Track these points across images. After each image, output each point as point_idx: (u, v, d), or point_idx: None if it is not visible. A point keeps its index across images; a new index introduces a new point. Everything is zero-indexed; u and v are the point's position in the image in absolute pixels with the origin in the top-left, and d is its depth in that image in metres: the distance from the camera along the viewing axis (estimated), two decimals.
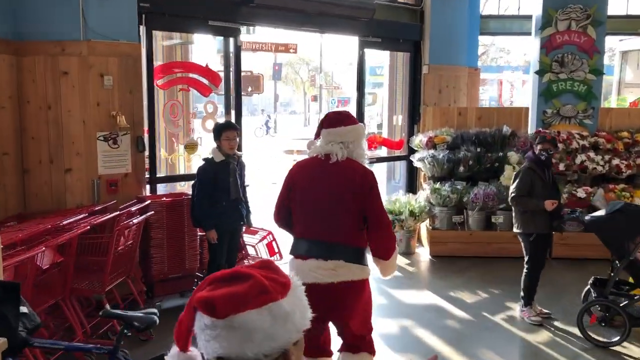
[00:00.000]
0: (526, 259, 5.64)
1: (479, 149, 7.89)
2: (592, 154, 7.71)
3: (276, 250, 5.92)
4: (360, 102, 8.19)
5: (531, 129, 8.35)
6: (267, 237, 5.97)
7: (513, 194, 5.49)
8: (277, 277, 1.37)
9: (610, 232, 5.09)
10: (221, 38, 6.55)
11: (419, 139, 8.27)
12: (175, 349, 1.39)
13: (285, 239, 7.89)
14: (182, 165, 6.66)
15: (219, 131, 5.13)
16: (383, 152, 9.11)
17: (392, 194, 7.85)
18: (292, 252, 3.56)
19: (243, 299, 1.28)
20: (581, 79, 8.17)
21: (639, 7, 10.69)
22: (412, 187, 8.73)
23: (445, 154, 7.77)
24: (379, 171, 11.12)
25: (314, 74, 44.08)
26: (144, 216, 5.03)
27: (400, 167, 9.10)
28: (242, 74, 13.39)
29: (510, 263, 7.02)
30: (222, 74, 6.52)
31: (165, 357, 1.42)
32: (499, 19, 10.22)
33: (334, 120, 3.50)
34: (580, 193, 7.37)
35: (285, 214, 3.62)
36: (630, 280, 5.26)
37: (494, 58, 31.37)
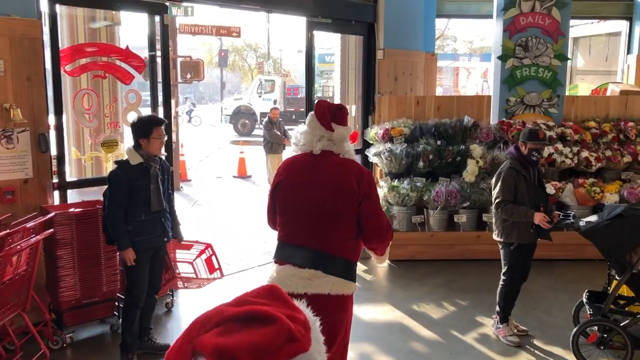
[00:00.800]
0: (504, 269, 4.96)
1: (439, 142, 7.20)
2: (560, 146, 7.15)
3: (216, 266, 5.02)
4: (310, 90, 7.35)
5: (494, 119, 7.74)
6: (205, 251, 5.06)
7: (497, 200, 4.77)
8: (294, 314, 1.21)
9: (612, 240, 4.37)
10: (146, 15, 5.56)
11: (375, 131, 7.52)
12: None
13: (227, 252, 7.30)
14: (98, 168, 5.67)
15: (149, 127, 4.20)
16: None
17: None
18: (274, 257, 3.18)
19: (269, 348, 1.08)
20: (546, 65, 7.60)
21: None
22: None
23: (404, 148, 7.04)
24: None
25: (262, 60, 42.95)
26: (39, 236, 4.05)
27: None
28: (180, 59, 12.46)
29: (476, 266, 6.42)
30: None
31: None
32: (455, 1, 9.57)
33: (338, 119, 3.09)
34: (549, 188, 6.77)
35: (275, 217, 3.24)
36: (627, 293, 4.64)
37: (448, 45, 31.12)
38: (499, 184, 4.77)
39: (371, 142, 7.60)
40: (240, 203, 10.69)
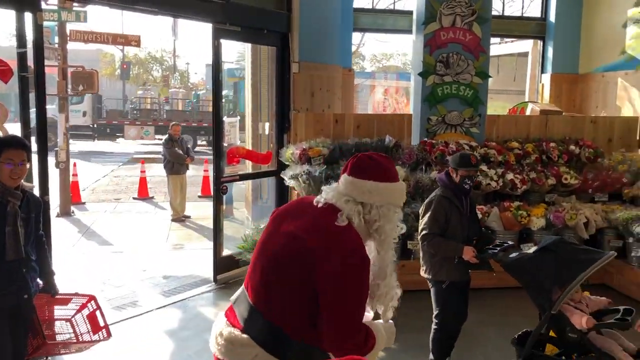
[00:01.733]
0: (435, 311, 4.41)
1: None
2: (484, 167, 6.80)
3: (102, 323, 4.02)
4: (217, 104, 6.53)
5: (415, 138, 7.30)
6: (87, 305, 4.06)
7: (424, 232, 4.24)
8: None
9: (532, 276, 3.81)
10: (13, 12, 4.55)
11: (290, 152, 6.84)
12: None
13: (121, 293, 6.27)
14: None
15: None
16: (248, 166, 7.55)
17: (260, 220, 6.33)
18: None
19: None
20: (467, 83, 7.28)
21: (511, 8, 10.28)
22: None
23: (323, 170, 6.41)
24: (242, 191, 9.57)
25: (168, 73, 41.35)
26: None
27: (269, 184, 7.60)
28: (71, 69, 11.20)
29: (402, 299, 5.85)
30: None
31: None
32: (371, 13, 9.18)
33: (363, 168, 2.27)
34: None
35: None
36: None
37: (357, 62, 31.21)
38: (427, 215, 4.26)
39: (287, 163, 6.91)
40: (139, 230, 9.61)
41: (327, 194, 2.27)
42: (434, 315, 4.39)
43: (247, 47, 8.20)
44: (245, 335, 2.21)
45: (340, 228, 2.18)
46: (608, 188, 7.04)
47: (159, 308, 5.86)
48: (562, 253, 3.84)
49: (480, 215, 6.36)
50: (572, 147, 7.33)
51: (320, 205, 2.24)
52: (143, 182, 12.82)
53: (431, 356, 4.46)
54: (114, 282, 6.66)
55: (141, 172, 12.96)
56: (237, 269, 6.61)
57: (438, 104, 7.26)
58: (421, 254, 4.43)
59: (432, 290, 4.40)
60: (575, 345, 3.64)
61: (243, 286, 2.37)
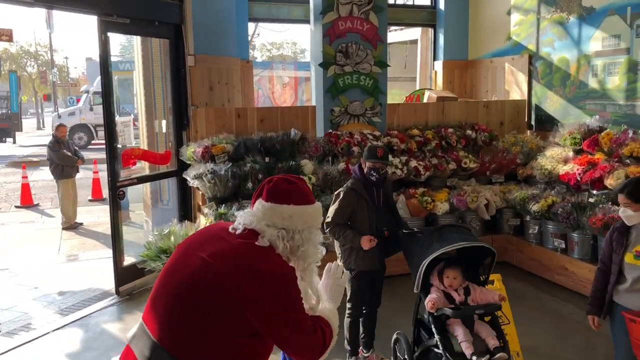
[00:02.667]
0: (348, 296, 4.46)
1: (267, 159, 6.46)
2: (389, 157, 6.84)
3: None
4: (108, 102, 6.00)
5: (320, 130, 7.21)
6: None
7: (327, 221, 4.26)
8: None
9: (410, 253, 4.10)
10: None
11: (192, 150, 6.50)
12: None
13: (8, 316, 5.60)
14: None
15: None
16: (145, 168, 7.08)
17: (163, 225, 5.94)
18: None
19: None
20: (367, 72, 7.29)
21: None
22: (186, 211, 6.89)
23: (228, 168, 6.15)
24: (138, 192, 9.01)
25: (45, 69, 38.45)
26: None
27: (169, 185, 7.19)
28: None
29: None
30: None
31: None
32: (266, 3, 8.93)
33: (281, 192, 2.17)
34: None
35: None
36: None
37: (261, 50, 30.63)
38: (334, 205, 4.29)
39: (188, 162, 6.56)
40: (26, 242, 8.79)
41: (244, 219, 2.14)
42: (347, 300, 4.42)
43: (136, 39, 7.67)
44: None
45: (262, 249, 2.07)
46: (504, 169, 7.37)
47: (56, 329, 5.33)
48: (441, 233, 4.00)
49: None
50: (469, 131, 7.60)
51: (238, 231, 2.11)
52: (26, 188, 11.78)
53: (347, 345, 4.46)
54: (1, 305, 6.01)
55: (23, 177, 11.88)
56: (141, 278, 6.19)
57: (340, 95, 7.21)
58: (342, 248, 4.39)
59: None
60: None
61: (141, 321, 2.11)
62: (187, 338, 1.97)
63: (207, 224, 5.90)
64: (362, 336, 4.57)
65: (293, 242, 2.15)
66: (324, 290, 2.41)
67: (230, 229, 2.13)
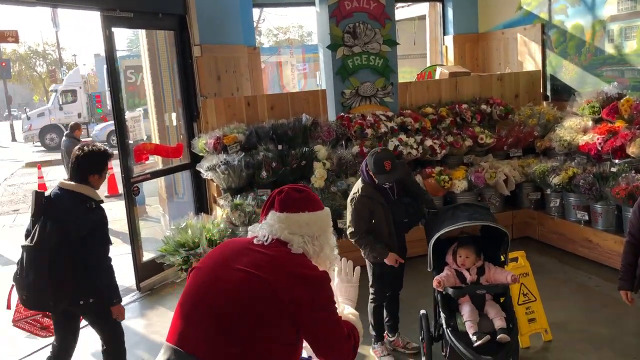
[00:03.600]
0: (370, 281, 4.40)
1: (280, 147, 6.38)
2: (404, 137, 6.74)
3: None
4: (117, 98, 5.94)
5: (331, 114, 7.11)
6: None
7: (350, 231, 4.21)
8: None
9: (428, 231, 4.17)
10: None
11: (203, 141, 6.45)
12: None
13: None
14: None
15: None
16: (158, 162, 7.05)
17: (179, 219, 5.92)
18: None
19: None
20: (376, 52, 7.14)
21: None
22: (202, 203, 6.86)
23: (241, 158, 6.09)
24: (153, 186, 8.98)
25: (54, 67, 38.60)
26: None
27: (183, 178, 7.15)
28: None
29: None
30: None
31: None
32: None
33: (293, 201, 2.23)
34: None
35: None
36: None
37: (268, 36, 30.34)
38: (350, 213, 4.19)
39: (200, 154, 6.51)
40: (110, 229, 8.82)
41: (268, 231, 2.16)
42: (369, 285, 4.36)
43: (141, 33, 7.59)
44: None
45: (299, 256, 2.11)
46: (521, 143, 7.22)
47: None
48: (454, 211, 3.99)
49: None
50: (484, 106, 7.44)
51: (266, 242, 2.13)
52: (42, 188, 11.84)
53: (372, 331, 4.41)
54: None
55: (39, 177, 11.95)
56: (161, 272, 6.19)
57: (350, 77, 7.08)
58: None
59: (367, 264, 4.37)
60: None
61: (173, 346, 1.99)
62: (239, 353, 1.93)
63: (224, 216, 5.86)
64: (386, 320, 4.52)
65: (314, 247, 2.18)
66: (338, 292, 2.43)
67: (255, 241, 2.15)
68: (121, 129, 5.89)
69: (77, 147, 3.65)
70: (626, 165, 5.83)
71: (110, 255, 3.61)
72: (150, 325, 5.30)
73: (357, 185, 4.23)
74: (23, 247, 3.43)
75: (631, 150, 5.76)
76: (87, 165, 3.52)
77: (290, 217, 2.18)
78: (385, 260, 4.13)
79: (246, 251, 2.11)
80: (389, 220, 4.17)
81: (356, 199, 4.15)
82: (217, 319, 1.96)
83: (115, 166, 10.78)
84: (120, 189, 11.09)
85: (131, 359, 4.65)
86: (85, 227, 3.40)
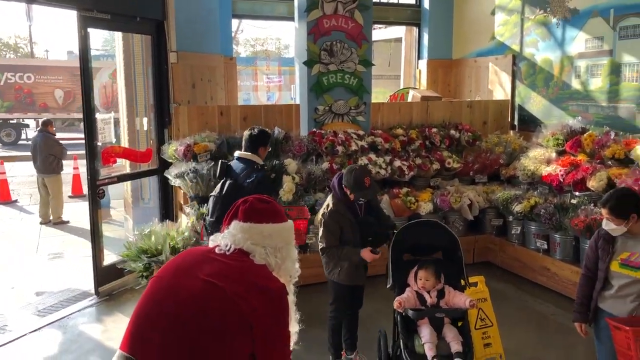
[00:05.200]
0: (331, 299, 4.48)
1: None
2: (373, 156, 6.83)
3: None
4: (88, 99, 5.86)
5: (304, 129, 7.16)
6: None
7: (321, 247, 4.28)
8: None
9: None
10: None
11: (174, 148, 6.41)
12: None
13: None
14: None
15: None
16: (126, 166, 6.96)
17: (143, 224, 5.85)
18: None
19: None
20: (351, 71, 7.24)
21: None
22: (168, 210, 6.80)
23: (211, 167, 6.06)
24: (119, 189, 8.87)
25: None
26: None
27: (150, 184, 7.08)
28: None
29: (303, 294, 5.71)
30: None
31: None
32: (248, 0, 8.85)
33: (257, 212, 2.21)
34: None
35: None
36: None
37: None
38: (323, 229, 4.25)
39: (170, 160, 6.47)
40: (4, 240, 8.62)
41: (228, 239, 2.15)
42: (329, 303, 4.41)
43: (117, 35, 7.53)
44: None
45: (261, 267, 2.10)
46: (487, 170, 7.39)
47: (33, 331, 5.22)
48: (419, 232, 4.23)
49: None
50: (453, 131, 7.60)
51: (228, 251, 2.12)
52: (4, 184, 11.56)
53: (330, 348, 4.45)
54: None
55: (0, 173, 11.66)
56: (121, 278, 6.10)
57: (324, 94, 7.16)
58: (329, 262, 4.39)
59: (328, 281, 4.45)
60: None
61: (123, 353, 1.96)
62: None
63: (189, 224, 5.82)
64: (344, 338, 4.54)
65: (276, 260, 2.16)
66: None
67: (217, 250, 2.13)
68: (90, 129, 5.81)
69: (249, 128, 4.95)
70: (586, 198, 6.02)
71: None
72: (106, 332, 5.20)
73: (328, 201, 4.30)
74: (211, 196, 4.82)
75: (591, 184, 5.95)
76: (258, 140, 4.80)
77: (254, 227, 2.15)
78: (364, 257, 4.13)
79: (208, 260, 2.08)
80: (356, 237, 4.22)
81: (327, 214, 4.21)
82: (175, 328, 1.92)
83: (81, 166, 10.64)
84: (85, 190, 10.95)
85: None
86: (253, 183, 4.54)
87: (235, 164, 4.83)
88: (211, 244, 2.21)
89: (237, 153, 4.91)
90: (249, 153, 4.80)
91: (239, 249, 2.12)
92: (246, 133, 4.90)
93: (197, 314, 1.92)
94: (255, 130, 4.91)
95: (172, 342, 1.90)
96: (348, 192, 4.17)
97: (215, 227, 4.26)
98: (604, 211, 3.28)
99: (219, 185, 4.82)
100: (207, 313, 1.92)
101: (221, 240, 2.16)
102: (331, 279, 4.36)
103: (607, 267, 3.32)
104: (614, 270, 3.30)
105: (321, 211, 4.33)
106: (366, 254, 4.12)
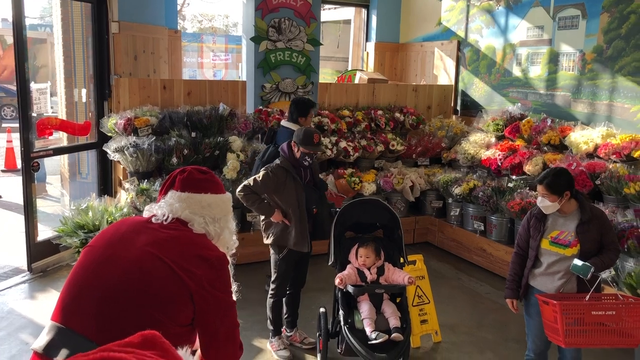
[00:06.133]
0: (273, 276, 4.46)
1: (193, 134, 6.27)
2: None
3: None
4: (22, 68, 5.58)
5: (250, 106, 7.08)
6: None
7: (244, 184, 4.28)
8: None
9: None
10: None
11: (113, 121, 6.21)
12: None
13: None
14: None
15: None
16: (63, 139, 6.70)
17: (80, 199, 5.66)
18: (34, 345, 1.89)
19: None
20: (299, 50, 7.19)
21: None
22: (106, 186, 6.60)
23: (152, 142, 5.93)
24: (55, 164, 8.57)
25: None
26: None
27: (89, 158, 6.85)
28: None
29: (243, 273, 5.70)
30: None
31: None
32: None
33: (196, 182, 2.18)
34: None
35: None
36: None
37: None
38: (260, 174, 4.25)
39: (109, 134, 6.27)
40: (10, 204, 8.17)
41: (165, 209, 2.10)
42: (271, 280, 4.43)
43: (55, 2, 7.19)
44: None
45: (200, 236, 2.08)
46: (429, 153, 7.53)
47: None
48: (362, 210, 4.30)
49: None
50: (398, 114, 7.69)
51: (167, 221, 2.08)
52: (10, 152, 10.96)
53: (270, 325, 4.45)
54: None
55: (7, 142, 11.05)
56: (56, 254, 5.90)
57: (272, 71, 7.09)
58: (261, 224, 4.39)
59: (271, 257, 4.46)
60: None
61: (59, 325, 1.88)
62: (133, 334, 1.84)
63: (128, 200, 5.68)
64: (285, 316, 4.57)
65: (215, 229, 2.15)
66: None
67: (153, 220, 2.09)
68: (24, 100, 5.55)
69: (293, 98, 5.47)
70: (522, 181, 6.23)
71: None
72: (38, 308, 5.03)
73: (275, 161, 4.33)
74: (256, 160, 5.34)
75: (527, 168, 6.16)
76: (297, 110, 5.18)
77: (192, 197, 2.13)
78: (272, 218, 4.23)
79: (144, 230, 2.04)
80: (301, 200, 4.24)
81: (272, 167, 4.25)
82: (111, 299, 1.87)
83: (15, 140, 10.17)
84: (19, 164, 10.49)
85: (15, 343, 4.41)
86: None
87: (279, 132, 5.27)
88: (146, 214, 2.16)
89: (282, 122, 5.39)
90: (291, 123, 5.18)
91: (176, 219, 2.09)
92: (292, 102, 5.40)
93: (134, 283, 1.88)
94: (296, 100, 5.37)
95: (109, 312, 1.86)
96: (296, 150, 4.22)
97: None
98: (540, 188, 3.40)
99: (262, 151, 5.27)
100: (145, 282, 1.89)
101: (157, 210, 2.12)
102: (278, 244, 4.32)
103: (538, 244, 3.45)
104: (544, 248, 3.45)
105: (267, 165, 4.37)
106: (277, 215, 4.22)
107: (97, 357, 1.01)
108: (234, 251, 2.26)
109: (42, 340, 1.87)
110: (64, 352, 1.82)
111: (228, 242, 2.21)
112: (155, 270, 1.91)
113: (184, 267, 1.93)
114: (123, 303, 1.87)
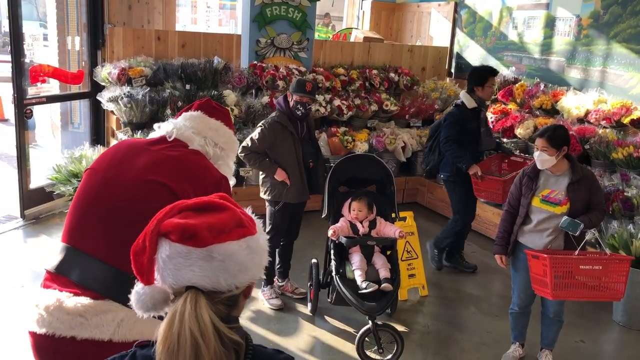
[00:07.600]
0: (267, 228, 4.48)
1: (187, 86, 6.25)
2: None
3: None
4: (15, 11, 5.46)
5: (244, 61, 7.03)
6: None
7: (245, 145, 4.27)
8: (244, 211, 1.37)
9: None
10: None
11: (107, 71, 6.16)
12: (139, 285, 1.29)
13: None
14: None
15: None
16: (55, 87, 6.63)
17: (73, 148, 5.66)
18: (46, 266, 2.01)
19: (224, 229, 1.26)
20: (296, 5, 7.12)
21: None
22: (99, 136, 6.58)
23: (146, 93, 5.91)
24: (47, 112, 8.48)
25: None
26: None
27: (81, 107, 6.80)
28: None
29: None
30: None
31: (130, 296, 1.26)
32: None
33: (211, 108, 2.31)
34: None
35: None
36: None
37: None
38: (256, 132, 4.28)
39: (103, 84, 6.23)
40: None
41: (169, 126, 2.15)
42: (266, 231, 4.47)
43: None
44: (106, 300, 1.89)
45: (199, 157, 2.12)
46: (422, 114, 7.56)
47: None
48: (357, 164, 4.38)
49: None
50: (392, 74, 7.68)
51: (169, 138, 2.12)
52: None
53: (262, 275, 4.54)
54: None
55: None
56: (49, 202, 5.92)
57: (267, 26, 7.02)
58: (260, 178, 4.41)
59: (267, 210, 4.50)
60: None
61: (68, 245, 1.95)
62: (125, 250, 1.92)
63: None
64: (277, 266, 4.66)
65: (215, 151, 2.20)
66: None
67: (154, 142, 2.12)
68: (17, 45, 5.47)
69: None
70: (513, 145, 6.31)
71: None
72: (32, 254, 5.09)
73: (271, 116, 4.35)
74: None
75: (519, 131, 6.24)
76: (471, 79, 5.09)
77: (203, 117, 2.20)
78: (276, 176, 4.25)
79: (144, 152, 2.06)
80: (298, 154, 4.28)
81: (268, 122, 4.26)
82: (115, 219, 1.93)
83: (5, 89, 10.03)
84: (7, 114, 10.41)
85: (9, 287, 4.47)
86: (445, 120, 5.15)
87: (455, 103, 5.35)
88: (152, 135, 2.19)
89: (461, 93, 5.31)
90: (464, 91, 5.16)
91: (177, 139, 2.12)
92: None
93: (137, 202, 1.93)
94: (474, 68, 5.32)
95: (114, 231, 1.91)
96: (290, 99, 4.25)
97: None
98: (540, 141, 3.46)
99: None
100: (147, 201, 1.92)
101: (162, 130, 2.15)
102: (275, 200, 4.35)
103: (529, 202, 3.54)
104: (535, 206, 3.54)
105: (263, 121, 4.37)
106: (280, 174, 4.23)
107: (201, 199, 1.26)
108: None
109: (54, 260, 1.95)
110: (76, 271, 1.90)
111: (226, 173, 2.23)
112: (154, 192, 1.95)
113: (183, 188, 1.97)
114: (126, 225, 1.91)
